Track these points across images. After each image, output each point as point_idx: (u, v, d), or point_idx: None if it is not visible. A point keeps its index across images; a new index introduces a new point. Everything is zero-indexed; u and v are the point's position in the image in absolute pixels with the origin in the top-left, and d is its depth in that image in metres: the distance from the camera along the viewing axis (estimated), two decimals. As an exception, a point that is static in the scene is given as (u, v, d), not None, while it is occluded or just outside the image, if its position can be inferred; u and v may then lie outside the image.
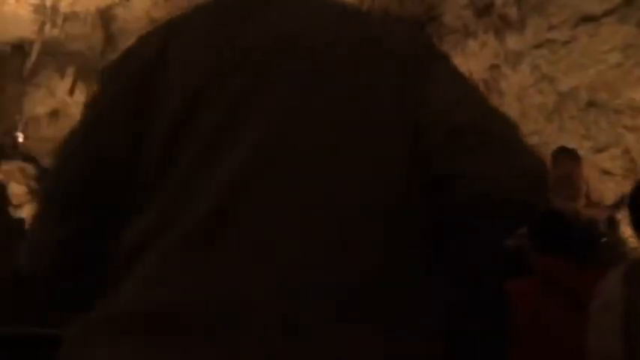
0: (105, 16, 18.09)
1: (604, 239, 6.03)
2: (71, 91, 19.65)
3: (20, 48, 18.37)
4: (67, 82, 19.61)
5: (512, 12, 12.73)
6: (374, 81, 1.03)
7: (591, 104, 11.90)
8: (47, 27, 17.85)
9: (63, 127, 22.01)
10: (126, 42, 15.94)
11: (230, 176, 0.91)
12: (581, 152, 7.88)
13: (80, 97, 20.23)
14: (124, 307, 0.87)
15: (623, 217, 6.43)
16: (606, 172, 10.57)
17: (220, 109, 1.01)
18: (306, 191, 0.90)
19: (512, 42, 12.61)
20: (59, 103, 21.03)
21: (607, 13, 15.96)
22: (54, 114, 21.57)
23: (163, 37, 1.19)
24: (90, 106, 1.18)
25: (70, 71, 19.41)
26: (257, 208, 0.88)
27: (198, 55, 1.06)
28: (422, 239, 0.97)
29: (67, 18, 17.76)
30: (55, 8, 17.42)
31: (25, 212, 16.50)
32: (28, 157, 17.69)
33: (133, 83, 1.07)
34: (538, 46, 12.67)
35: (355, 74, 1.03)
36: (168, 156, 0.97)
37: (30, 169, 17.20)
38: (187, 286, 0.85)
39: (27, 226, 13.28)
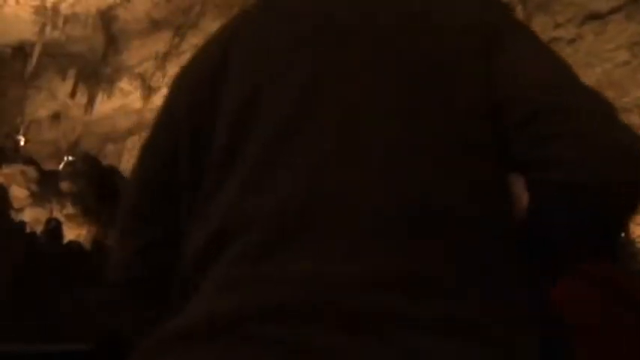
0: (106, 18, 18.05)
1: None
2: (72, 94, 19.64)
3: (21, 50, 18.34)
4: (69, 84, 19.61)
5: (518, 10, 12.67)
6: (448, 56, 0.95)
7: (598, 103, 11.79)
8: (48, 29, 17.81)
9: (64, 130, 22.04)
10: (127, 43, 15.95)
11: (301, 175, 0.82)
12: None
13: (82, 99, 20.26)
14: (197, 316, 0.82)
15: (631, 218, 6.35)
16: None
17: (285, 104, 0.92)
18: (386, 184, 0.81)
19: (518, 40, 12.52)
20: (60, 105, 21.04)
21: (613, 11, 15.89)
22: (55, 117, 21.59)
23: (225, 45, 1.12)
24: (156, 120, 1.08)
25: (72, 73, 19.40)
26: (332, 209, 0.82)
27: (256, 55, 0.98)
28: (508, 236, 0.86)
29: (67, 19, 17.72)
30: (55, 10, 17.37)
31: (27, 215, 16.49)
32: (30, 160, 17.67)
33: (196, 98, 0.98)
34: (544, 45, 12.57)
35: (427, 49, 0.95)
36: (229, 160, 0.89)
37: (31, 172, 17.16)
38: (261, 292, 0.80)
39: (27, 228, 13.26)
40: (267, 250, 0.83)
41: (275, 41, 1.02)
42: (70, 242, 12.62)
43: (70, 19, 17.78)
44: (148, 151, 1.12)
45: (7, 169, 16.98)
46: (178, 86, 1.12)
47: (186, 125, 1.02)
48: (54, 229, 12.36)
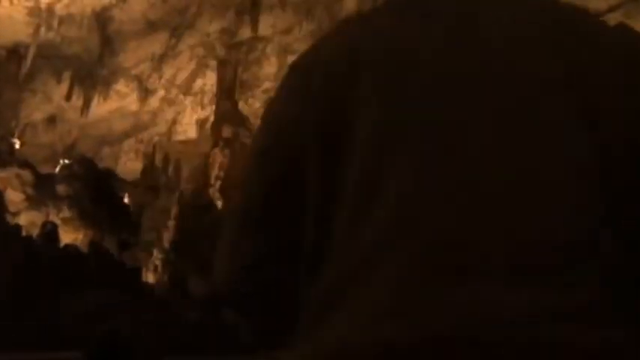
0: (101, 18, 17.96)
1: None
2: (68, 96, 19.53)
3: (15, 52, 18.24)
4: (64, 86, 19.49)
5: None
6: (598, 91, 0.85)
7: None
8: (42, 30, 17.72)
9: (60, 133, 21.94)
10: (123, 44, 15.86)
11: (460, 198, 0.74)
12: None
13: (77, 101, 20.14)
14: (354, 342, 0.74)
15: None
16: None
17: (435, 120, 0.80)
18: (552, 211, 0.77)
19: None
20: (56, 108, 20.93)
21: (612, 9, 15.87)
22: (51, 120, 21.48)
23: (354, 44, 0.92)
24: (271, 124, 0.89)
25: (67, 75, 19.28)
26: (495, 238, 0.77)
27: (393, 61, 0.82)
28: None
29: (62, 21, 17.62)
30: (50, 10, 17.28)
31: (23, 219, 16.37)
32: (25, 164, 17.55)
33: (326, 111, 0.81)
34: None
35: (576, 83, 0.86)
36: (374, 178, 0.77)
37: (27, 175, 17.05)
38: (427, 320, 0.73)
39: (24, 232, 13.15)
40: (430, 275, 0.79)
41: (413, 55, 0.90)
42: (67, 245, 12.55)
43: (65, 20, 17.69)
44: (267, 157, 0.92)
45: (2, 173, 16.88)
46: (295, 91, 0.93)
47: (313, 138, 0.86)
48: (50, 232, 12.28)
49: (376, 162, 0.83)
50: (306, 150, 0.87)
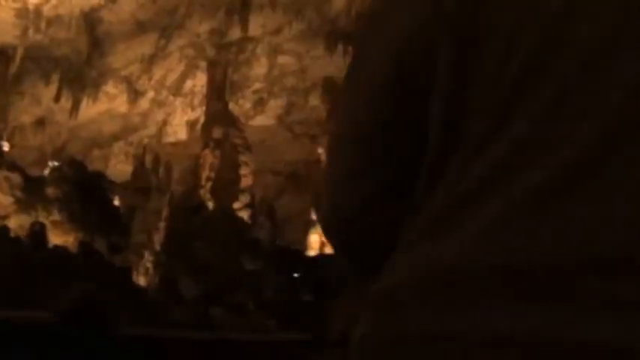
0: (90, 20, 17.95)
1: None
2: (57, 98, 19.50)
3: (3, 54, 18.19)
4: (53, 88, 19.44)
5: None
6: None
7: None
8: (30, 32, 17.70)
9: (50, 135, 21.89)
10: (112, 46, 15.86)
11: (603, 121, 0.60)
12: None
13: (66, 103, 20.11)
14: (452, 261, 0.66)
15: None
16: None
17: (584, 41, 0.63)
18: None
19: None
20: (45, 110, 20.88)
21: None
22: (40, 122, 21.43)
23: None
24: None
25: (55, 77, 19.25)
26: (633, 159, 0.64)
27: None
28: None
29: (50, 22, 17.61)
30: (38, 12, 17.27)
31: (13, 222, 16.31)
32: (14, 167, 17.49)
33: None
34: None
35: None
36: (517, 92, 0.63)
37: (16, 178, 16.99)
38: (547, 235, 0.63)
39: (12, 234, 13.13)
40: (567, 188, 0.67)
41: None
42: (56, 246, 12.55)
43: (53, 21, 17.68)
44: (359, 101, 0.75)
45: (-10, 176, 16.84)
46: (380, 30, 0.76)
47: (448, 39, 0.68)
48: (38, 232, 12.26)
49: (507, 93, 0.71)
50: (437, 50, 0.75)
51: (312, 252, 20.98)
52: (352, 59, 0.88)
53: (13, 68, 18.20)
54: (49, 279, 9.80)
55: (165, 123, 22.79)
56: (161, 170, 19.18)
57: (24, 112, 20.93)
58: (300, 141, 24.48)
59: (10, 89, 19.10)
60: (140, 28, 18.87)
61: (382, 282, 0.73)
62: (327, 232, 0.90)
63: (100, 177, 18.95)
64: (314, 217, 20.97)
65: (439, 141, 0.74)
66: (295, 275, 19.44)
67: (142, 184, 19.00)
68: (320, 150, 20.89)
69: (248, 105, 22.87)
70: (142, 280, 17.65)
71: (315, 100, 22.17)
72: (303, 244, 21.52)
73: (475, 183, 0.70)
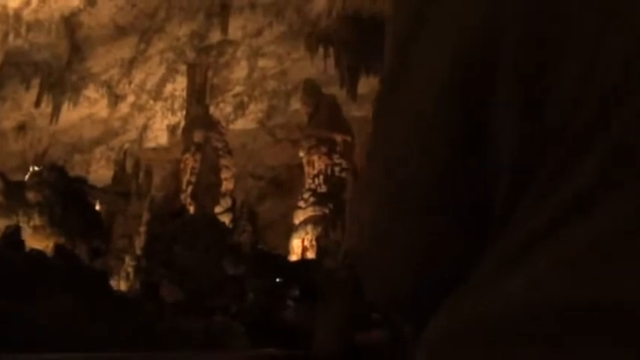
0: (70, 24, 18.23)
1: None
2: (37, 103, 19.75)
3: (-17, 59, 18.43)
4: (33, 93, 19.70)
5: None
6: None
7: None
8: (11, 37, 17.95)
9: (31, 141, 22.11)
10: (92, 50, 16.18)
11: None
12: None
13: (47, 109, 20.36)
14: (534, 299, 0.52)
15: None
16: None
17: None
18: None
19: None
20: (25, 115, 21.14)
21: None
22: (21, 127, 21.68)
23: None
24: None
25: (36, 82, 19.51)
26: None
27: None
28: None
29: (30, 27, 17.87)
30: (18, 16, 17.53)
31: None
32: (-6, 171, 17.72)
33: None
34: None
35: None
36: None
37: (-4, 183, 17.23)
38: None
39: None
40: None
41: None
42: (32, 250, 12.79)
43: (33, 26, 17.94)
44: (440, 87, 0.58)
45: (-30, 181, 17.05)
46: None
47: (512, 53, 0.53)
48: (12, 234, 12.49)
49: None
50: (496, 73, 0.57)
51: (295, 257, 21.28)
52: (385, 89, 0.64)
53: (-7, 73, 18.42)
54: (24, 282, 10.08)
55: (145, 127, 23.08)
56: (141, 175, 19.45)
57: (5, 118, 21.17)
58: (281, 145, 24.83)
59: (-10, 94, 19.34)
60: (120, 31, 19.18)
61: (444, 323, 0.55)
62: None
63: (80, 182, 19.19)
64: (296, 221, 21.29)
65: (512, 169, 0.56)
66: (278, 280, 19.77)
67: (122, 188, 19.26)
68: (301, 154, 21.21)
69: (229, 109, 23.20)
70: (122, 285, 17.89)
71: (296, 104, 22.51)
72: (285, 249, 21.82)
73: (559, 212, 0.52)
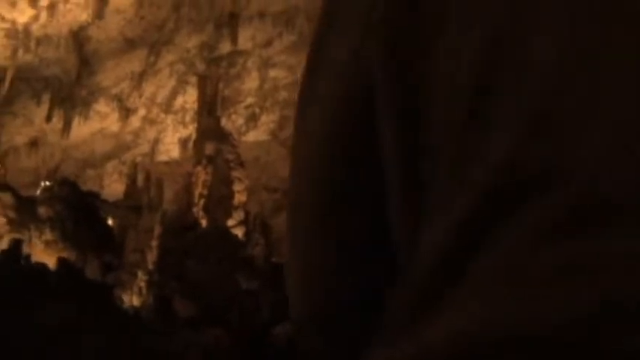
0: (78, 38, 18.43)
1: None
2: (48, 118, 19.96)
3: (-6, 75, 18.70)
4: (44, 108, 19.93)
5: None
6: None
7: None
8: (20, 52, 18.18)
9: (43, 157, 22.32)
10: (101, 64, 16.33)
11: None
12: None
13: (58, 124, 20.57)
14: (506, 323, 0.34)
15: None
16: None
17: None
18: None
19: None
20: (37, 131, 21.36)
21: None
22: (33, 143, 21.90)
23: None
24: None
25: (46, 97, 19.74)
26: None
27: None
28: None
29: (39, 42, 18.09)
30: (27, 32, 17.75)
31: (5, 243, 16.65)
32: (6, 187, 17.89)
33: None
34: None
35: None
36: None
37: (7, 198, 17.37)
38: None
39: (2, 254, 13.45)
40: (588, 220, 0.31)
41: None
42: (36, 263, 12.86)
43: (42, 41, 18.15)
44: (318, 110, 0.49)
45: (-19, 197, 17.22)
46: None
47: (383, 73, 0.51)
48: (13, 247, 12.55)
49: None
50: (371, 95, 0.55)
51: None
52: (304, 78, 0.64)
53: (4, 89, 18.63)
54: (25, 296, 10.10)
55: (157, 141, 23.20)
56: (153, 189, 19.52)
57: (17, 134, 21.41)
58: (295, 156, 24.71)
59: (2, 110, 19.55)
60: (129, 44, 19.34)
61: None
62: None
63: (92, 196, 19.31)
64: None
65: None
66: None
67: (134, 202, 19.34)
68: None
69: (240, 120, 23.26)
70: (135, 300, 17.92)
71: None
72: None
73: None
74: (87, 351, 9.59)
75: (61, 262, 13.11)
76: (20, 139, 21.70)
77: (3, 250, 12.66)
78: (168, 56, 20.27)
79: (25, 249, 16.29)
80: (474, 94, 0.43)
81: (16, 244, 13.39)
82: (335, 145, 0.54)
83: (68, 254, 17.39)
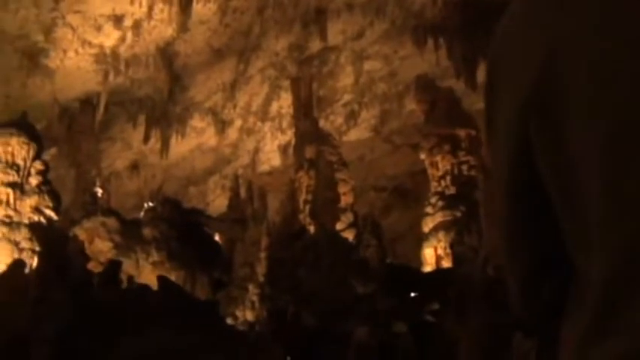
0: (166, 54, 18.52)
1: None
2: (145, 139, 20.21)
3: (88, 102, 19.09)
4: (140, 130, 20.21)
5: None
6: None
7: None
8: (111, 75, 18.48)
9: (145, 178, 22.69)
10: (192, 78, 16.24)
11: None
12: None
13: (156, 144, 20.82)
14: None
15: None
16: None
17: None
18: None
19: None
20: (136, 154, 21.74)
21: None
22: (134, 166, 22.31)
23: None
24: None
25: (142, 119, 20.00)
26: None
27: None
28: None
29: (128, 63, 18.32)
30: (115, 54, 18.01)
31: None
32: (110, 212, 18.21)
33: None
34: None
35: None
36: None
37: (112, 223, 17.64)
38: None
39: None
40: None
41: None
42: (138, 284, 12.89)
43: (131, 61, 18.37)
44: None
45: (88, 224, 17.54)
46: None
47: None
48: (109, 269, 12.61)
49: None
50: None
51: (429, 268, 20.32)
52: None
53: (99, 115, 19.00)
54: (123, 317, 9.92)
55: (257, 150, 23.12)
56: (256, 199, 19.33)
57: (117, 158, 21.88)
58: (400, 152, 24.07)
59: (100, 136, 19.97)
60: (217, 55, 19.28)
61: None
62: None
63: (195, 213, 19.36)
64: (426, 229, 20.36)
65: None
66: (412, 295, 18.89)
67: (238, 215, 19.22)
68: (422, 156, 20.32)
69: (339, 120, 22.80)
70: (249, 315, 17.71)
71: (410, 104, 21.77)
72: (418, 261, 20.90)
73: None
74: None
75: (162, 281, 12.97)
76: (121, 163, 22.15)
77: (100, 273, 12.73)
78: (257, 62, 20.08)
79: (133, 271, 16.48)
80: (603, 190, 0.68)
81: (112, 266, 13.45)
82: (511, 184, 0.79)
83: (176, 274, 17.44)
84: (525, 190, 0.78)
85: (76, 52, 17.74)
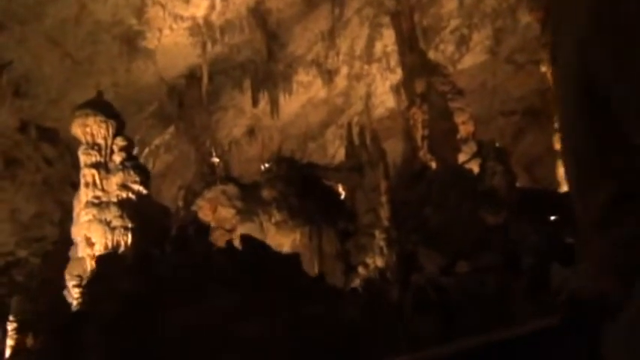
0: (258, 14, 18.96)
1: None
2: (254, 103, 20.87)
3: (192, 76, 19.99)
4: (249, 95, 20.89)
5: None
6: None
7: None
8: (209, 45, 19.22)
9: (262, 142, 23.45)
10: (289, 33, 16.53)
11: None
12: None
13: (267, 106, 21.45)
14: None
15: None
16: None
17: None
18: None
19: None
20: (250, 119, 22.51)
21: None
22: (250, 132, 23.14)
23: None
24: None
25: (247, 83, 20.67)
26: None
27: None
28: None
29: (223, 30, 18.96)
30: (208, 24, 18.70)
31: (237, 234, 17.75)
32: (228, 179, 19.07)
33: None
34: None
35: None
36: None
37: (231, 189, 18.46)
38: None
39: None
40: None
41: None
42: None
43: (225, 28, 19.00)
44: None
45: (209, 194, 18.51)
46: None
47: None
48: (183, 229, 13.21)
49: None
50: None
51: (566, 188, 19.51)
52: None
53: (205, 86, 19.84)
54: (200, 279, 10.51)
55: (369, 95, 23.16)
56: (370, 143, 19.39)
57: (233, 126, 22.76)
58: (525, 70, 23.14)
59: (211, 107, 20.86)
60: (310, 4, 19.46)
61: None
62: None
63: (311, 167, 19.81)
64: (559, 147, 19.58)
65: None
66: (552, 218, 18.30)
67: (354, 163, 19.42)
68: (544, 68, 19.46)
69: (450, 48, 22.31)
70: (378, 261, 17.96)
71: (524, 17, 20.84)
72: (554, 183, 20.18)
73: None
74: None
75: (244, 239, 13.51)
76: (238, 131, 23.00)
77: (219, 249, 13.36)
78: (353, 3, 20.07)
79: (258, 235, 17.19)
80: None
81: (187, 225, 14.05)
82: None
83: (301, 230, 18.00)
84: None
85: (171, 28, 18.60)
